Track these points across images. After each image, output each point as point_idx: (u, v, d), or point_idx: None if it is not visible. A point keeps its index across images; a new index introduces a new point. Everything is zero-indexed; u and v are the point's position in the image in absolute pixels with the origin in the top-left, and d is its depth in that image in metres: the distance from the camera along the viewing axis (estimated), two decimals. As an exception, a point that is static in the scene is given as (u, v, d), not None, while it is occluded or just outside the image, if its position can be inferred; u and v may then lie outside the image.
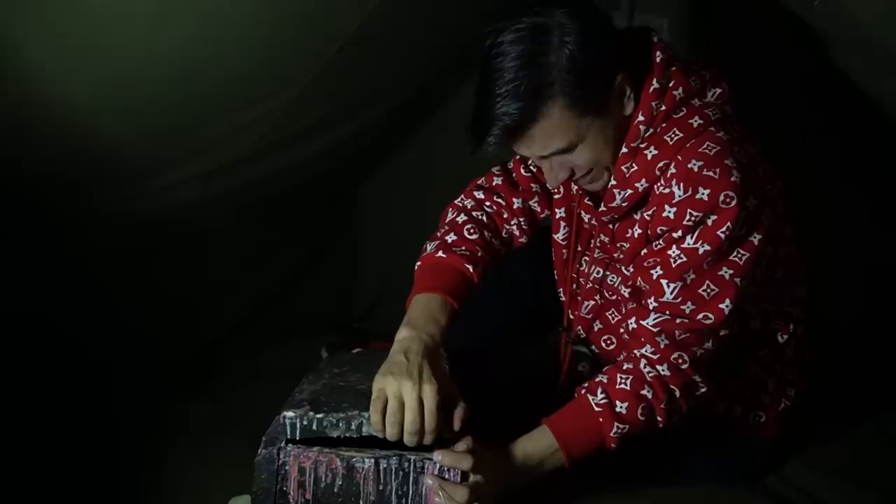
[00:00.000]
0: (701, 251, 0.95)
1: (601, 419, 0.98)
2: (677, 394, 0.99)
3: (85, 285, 1.33)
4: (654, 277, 0.98)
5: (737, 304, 0.97)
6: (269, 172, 1.46)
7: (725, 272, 0.96)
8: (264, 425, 0.95)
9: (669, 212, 0.95)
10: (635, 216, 1.03)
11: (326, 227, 1.89)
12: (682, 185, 0.94)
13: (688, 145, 0.95)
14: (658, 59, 0.96)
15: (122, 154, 1.23)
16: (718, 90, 1.00)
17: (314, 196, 1.76)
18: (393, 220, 1.96)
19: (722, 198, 0.93)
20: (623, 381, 0.99)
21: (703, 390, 1.02)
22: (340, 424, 0.89)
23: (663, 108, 0.96)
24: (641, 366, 1.00)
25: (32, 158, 1.15)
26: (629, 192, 1.00)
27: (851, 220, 1.69)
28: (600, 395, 0.98)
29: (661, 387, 0.98)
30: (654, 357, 0.99)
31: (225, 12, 1.07)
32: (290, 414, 0.91)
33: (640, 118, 0.96)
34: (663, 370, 0.99)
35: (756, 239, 0.97)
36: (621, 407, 0.97)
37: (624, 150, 0.98)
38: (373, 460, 0.91)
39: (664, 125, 0.97)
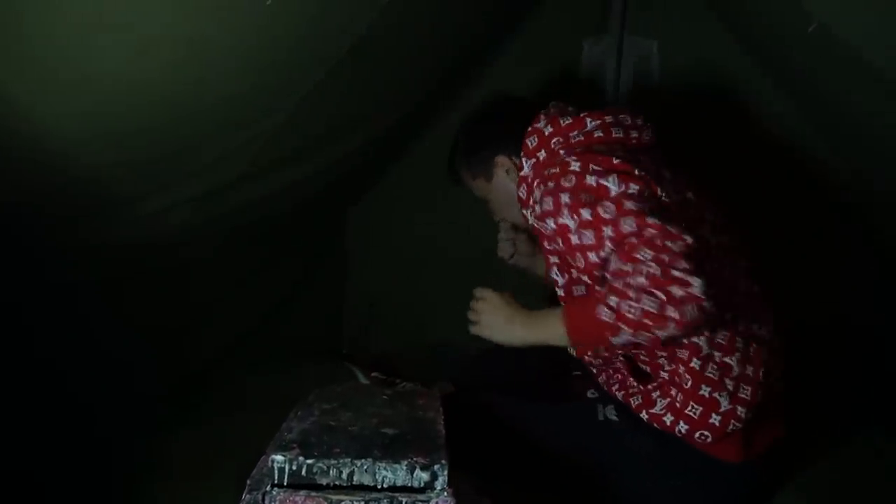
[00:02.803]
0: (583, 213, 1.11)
1: (608, 329, 1.07)
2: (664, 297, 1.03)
3: (67, 314, 1.30)
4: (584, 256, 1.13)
5: (642, 207, 1.08)
6: (255, 197, 1.44)
7: (605, 206, 1.10)
8: (250, 460, 0.92)
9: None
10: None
11: (314, 252, 1.87)
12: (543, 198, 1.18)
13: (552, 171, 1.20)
14: (528, 143, 1.29)
15: (105, 181, 1.20)
16: (576, 127, 1.26)
17: (301, 220, 1.74)
18: (382, 243, 1.95)
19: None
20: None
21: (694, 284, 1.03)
22: (331, 472, 0.87)
23: (532, 171, 1.28)
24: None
25: (12, 188, 1.12)
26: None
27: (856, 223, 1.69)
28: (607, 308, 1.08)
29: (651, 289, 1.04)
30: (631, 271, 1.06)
31: (209, 37, 1.05)
32: (278, 458, 0.88)
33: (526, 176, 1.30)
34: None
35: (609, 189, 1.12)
36: (612, 300, 1.06)
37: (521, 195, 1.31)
38: (363, 503, 0.88)
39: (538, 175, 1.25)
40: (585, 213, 1.10)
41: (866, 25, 0.98)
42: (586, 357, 1.25)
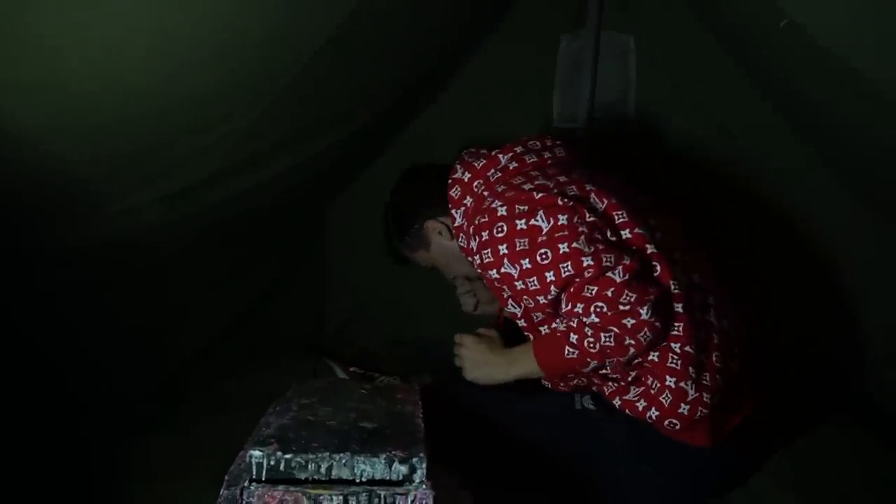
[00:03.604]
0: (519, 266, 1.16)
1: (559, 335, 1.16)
2: (615, 330, 1.11)
3: (41, 315, 1.28)
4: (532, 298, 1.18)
5: (577, 245, 1.13)
6: (233, 194, 1.43)
7: (542, 251, 1.14)
8: (228, 459, 0.91)
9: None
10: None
11: (293, 248, 1.86)
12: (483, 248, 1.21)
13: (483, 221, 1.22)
14: (452, 195, 1.32)
15: (76, 178, 1.18)
16: (491, 166, 1.30)
17: (279, 217, 1.73)
18: (363, 239, 1.94)
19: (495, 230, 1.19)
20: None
21: (643, 311, 1.10)
22: (309, 466, 0.87)
23: (465, 220, 1.30)
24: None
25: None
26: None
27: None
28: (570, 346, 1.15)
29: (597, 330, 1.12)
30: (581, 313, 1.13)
31: (181, 32, 1.04)
32: (256, 453, 0.87)
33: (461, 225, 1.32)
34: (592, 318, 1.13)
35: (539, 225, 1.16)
36: (573, 338, 1.14)
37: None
38: (341, 497, 0.88)
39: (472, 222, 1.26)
40: (525, 263, 1.15)
41: (838, 25, 1.00)
42: (560, 385, 1.28)
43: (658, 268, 1.18)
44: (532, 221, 1.15)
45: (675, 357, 1.16)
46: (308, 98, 1.33)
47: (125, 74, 1.05)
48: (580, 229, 1.14)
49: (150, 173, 1.27)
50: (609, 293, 1.10)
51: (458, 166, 1.33)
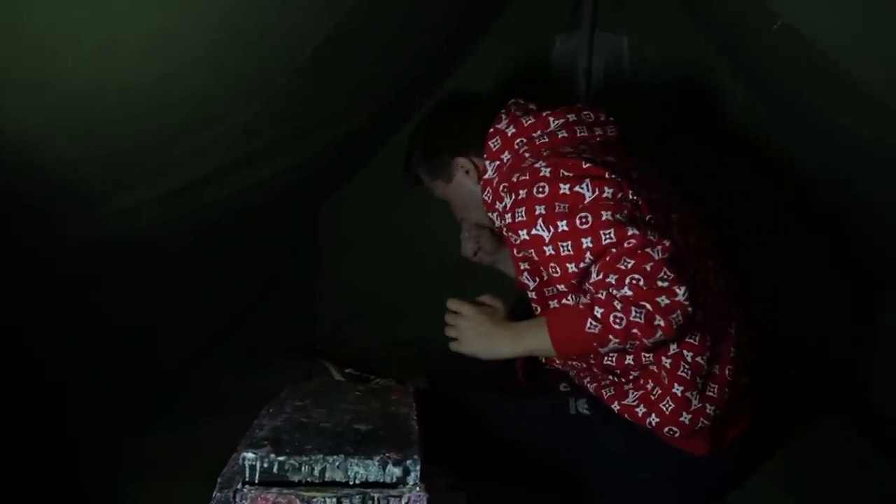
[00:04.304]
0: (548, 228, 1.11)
1: (595, 338, 1.07)
2: (648, 307, 1.04)
3: (36, 313, 1.28)
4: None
5: (620, 218, 1.08)
6: (228, 193, 1.43)
7: (581, 217, 1.09)
8: (222, 460, 0.91)
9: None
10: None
11: (288, 248, 1.86)
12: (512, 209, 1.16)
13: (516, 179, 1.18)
14: (490, 144, 1.27)
15: (71, 177, 1.18)
16: (539, 127, 1.24)
17: (275, 216, 1.73)
18: (357, 238, 1.94)
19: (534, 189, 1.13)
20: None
21: (677, 292, 1.04)
22: (303, 468, 0.87)
23: (497, 175, 1.25)
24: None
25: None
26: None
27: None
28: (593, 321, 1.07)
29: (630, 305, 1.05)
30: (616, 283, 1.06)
31: (176, 31, 1.04)
32: (249, 455, 0.87)
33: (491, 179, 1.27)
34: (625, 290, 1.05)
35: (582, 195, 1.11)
36: (598, 312, 1.06)
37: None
38: (335, 500, 0.88)
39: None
40: (562, 225, 1.08)
41: (830, 26, 1.00)
42: (556, 362, 1.25)
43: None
44: (577, 188, 1.09)
45: (686, 366, 1.14)
46: (304, 98, 1.33)
47: (120, 72, 1.05)
48: (625, 204, 1.09)
49: (145, 172, 1.26)
50: (648, 267, 1.03)
51: (504, 116, 1.27)
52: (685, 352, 1.14)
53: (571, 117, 1.24)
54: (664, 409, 1.15)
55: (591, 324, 1.06)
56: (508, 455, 1.26)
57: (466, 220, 1.43)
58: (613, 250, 1.06)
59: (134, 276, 1.43)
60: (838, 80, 1.07)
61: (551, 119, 1.24)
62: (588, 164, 1.13)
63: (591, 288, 1.09)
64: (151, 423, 1.39)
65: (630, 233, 1.05)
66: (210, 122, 1.24)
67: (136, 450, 1.30)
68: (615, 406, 1.20)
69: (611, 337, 1.06)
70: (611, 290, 1.05)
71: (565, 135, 1.22)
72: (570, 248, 1.08)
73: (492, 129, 1.27)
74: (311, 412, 1.00)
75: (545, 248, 1.10)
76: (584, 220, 1.07)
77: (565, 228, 1.08)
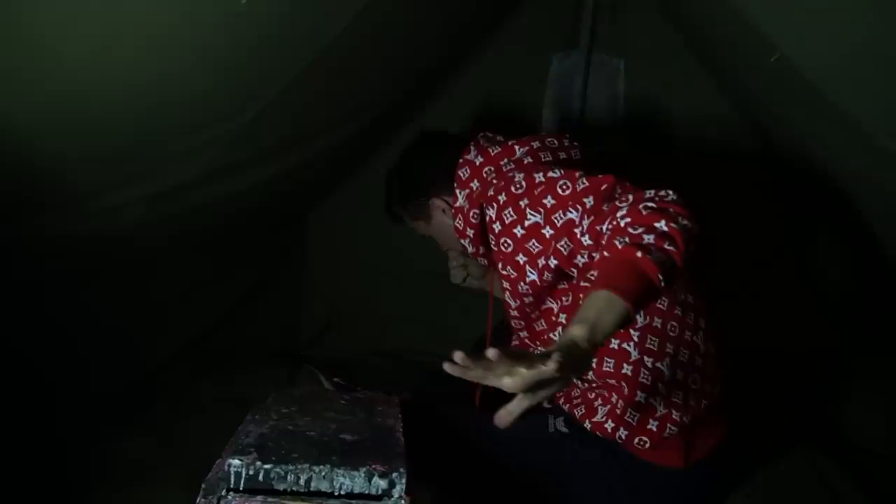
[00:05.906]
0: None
1: (630, 251, 0.94)
2: (671, 210, 0.98)
3: (17, 311, 1.26)
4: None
5: (588, 175, 1.10)
6: (215, 197, 1.42)
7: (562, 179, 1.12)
8: (204, 463, 0.90)
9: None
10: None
11: (273, 253, 1.85)
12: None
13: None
14: (460, 174, 1.31)
15: (62, 174, 1.17)
16: (506, 155, 1.29)
17: (262, 221, 1.72)
18: (342, 244, 1.94)
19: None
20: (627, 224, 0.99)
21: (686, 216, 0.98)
22: (289, 477, 0.86)
23: (467, 202, 1.29)
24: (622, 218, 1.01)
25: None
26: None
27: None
28: (619, 241, 0.96)
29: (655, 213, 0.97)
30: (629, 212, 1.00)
31: (175, 36, 1.03)
32: (235, 462, 0.86)
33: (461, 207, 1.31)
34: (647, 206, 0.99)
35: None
36: (636, 230, 0.96)
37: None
38: (319, 509, 0.87)
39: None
40: (548, 200, 1.12)
41: (822, 57, 1.02)
42: None
43: None
44: (550, 173, 1.15)
45: (646, 371, 1.16)
46: (297, 108, 1.33)
47: (117, 72, 1.04)
48: (594, 172, 1.12)
49: (134, 172, 1.25)
50: (629, 184, 1.08)
51: (473, 148, 1.32)
52: (646, 357, 1.16)
53: (536, 144, 1.30)
54: (630, 420, 1.17)
55: (633, 247, 0.94)
56: (487, 471, 1.25)
57: (451, 251, 1.48)
58: (603, 186, 1.08)
59: (119, 275, 1.42)
60: (827, 108, 1.10)
61: (517, 147, 1.29)
62: (555, 166, 1.19)
63: (604, 230, 1.02)
64: (134, 423, 1.38)
65: (601, 177, 1.10)
66: (202, 127, 1.24)
67: (119, 451, 1.29)
68: (587, 424, 1.21)
69: (665, 242, 0.94)
70: (622, 207, 1.01)
71: (530, 161, 1.27)
72: (562, 216, 1.10)
73: (461, 161, 1.32)
74: (296, 420, 0.99)
75: (543, 230, 1.13)
76: (564, 187, 1.12)
77: (552, 203, 1.12)
